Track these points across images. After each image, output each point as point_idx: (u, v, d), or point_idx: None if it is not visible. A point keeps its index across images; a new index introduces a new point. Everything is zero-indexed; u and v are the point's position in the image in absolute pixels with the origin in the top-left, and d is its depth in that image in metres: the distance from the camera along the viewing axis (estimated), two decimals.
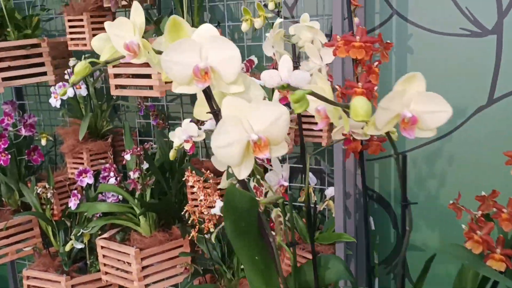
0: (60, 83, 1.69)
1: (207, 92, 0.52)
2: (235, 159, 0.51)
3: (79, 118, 1.85)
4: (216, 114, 0.53)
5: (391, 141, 0.67)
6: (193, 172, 1.55)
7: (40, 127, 2.19)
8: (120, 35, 0.57)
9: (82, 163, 1.88)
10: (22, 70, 1.77)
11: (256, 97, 0.50)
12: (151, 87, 1.50)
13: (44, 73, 1.83)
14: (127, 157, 1.55)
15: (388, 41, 0.95)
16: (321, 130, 1.47)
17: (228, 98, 0.50)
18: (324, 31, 1.69)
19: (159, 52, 0.58)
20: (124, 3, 1.52)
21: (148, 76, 1.50)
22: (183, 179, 1.58)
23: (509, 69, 1.54)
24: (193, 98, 1.97)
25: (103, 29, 1.82)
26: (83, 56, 1.77)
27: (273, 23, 1.44)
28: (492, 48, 1.55)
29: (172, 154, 0.85)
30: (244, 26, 1.27)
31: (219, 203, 0.85)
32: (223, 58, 0.51)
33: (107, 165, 1.83)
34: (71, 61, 1.80)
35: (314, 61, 0.67)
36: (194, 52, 0.52)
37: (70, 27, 1.79)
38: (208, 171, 1.57)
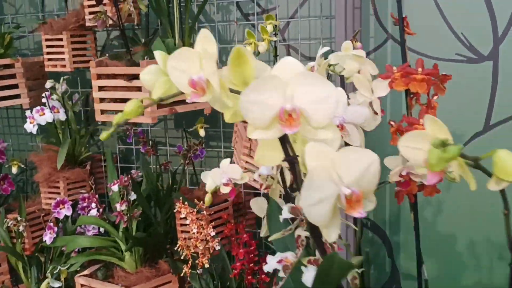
0: (38, 108, 1.56)
1: (283, 137, 0.45)
2: (326, 218, 0.43)
3: (55, 144, 1.71)
4: (293, 162, 0.45)
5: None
6: (186, 203, 1.45)
7: (8, 153, 2.03)
8: (182, 69, 0.49)
9: (59, 193, 1.74)
10: None
11: (332, 141, 0.43)
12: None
13: (18, 96, 1.69)
14: (115, 188, 1.44)
15: (445, 73, 0.89)
16: None
17: (314, 146, 0.42)
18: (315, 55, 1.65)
19: (235, 92, 0.48)
20: (110, 22, 1.42)
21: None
22: (175, 210, 1.47)
23: (505, 95, 1.53)
24: (177, 122, 1.87)
25: (84, 49, 1.72)
26: (62, 78, 1.66)
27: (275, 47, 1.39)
28: (488, 74, 1.54)
29: (207, 200, 0.76)
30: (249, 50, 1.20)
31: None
32: (315, 99, 0.43)
33: (87, 195, 1.70)
34: (48, 83, 1.67)
35: (364, 94, 0.61)
36: (278, 92, 0.44)
37: (48, 46, 1.66)
38: (202, 202, 1.47)
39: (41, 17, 1.95)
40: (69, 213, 1.66)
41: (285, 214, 0.55)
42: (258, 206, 0.73)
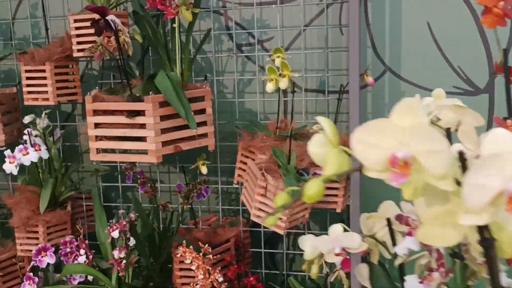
0: (21, 146, 1.41)
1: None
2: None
3: (34, 185, 1.56)
4: (489, 246, 0.38)
5: None
6: (191, 247, 1.35)
7: None
8: (374, 143, 0.41)
9: (37, 238, 1.57)
10: None
11: None
12: (143, 151, 1.30)
13: None
14: (115, 234, 1.31)
15: None
16: (336, 195, 1.36)
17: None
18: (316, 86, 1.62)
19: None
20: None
21: (141, 139, 1.29)
22: (178, 255, 1.37)
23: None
24: (169, 159, 1.77)
25: (67, 81, 1.59)
26: (43, 112, 1.51)
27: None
28: (484, 107, 1.57)
29: (314, 273, 0.67)
30: (270, 87, 1.14)
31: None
32: None
33: (68, 239, 1.55)
34: (27, 118, 1.52)
35: (468, 147, 0.56)
36: (499, 173, 0.38)
37: (28, 78, 1.52)
38: (207, 245, 1.37)
39: (13, 45, 1.79)
40: (52, 261, 1.50)
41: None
42: (361, 273, 0.66)
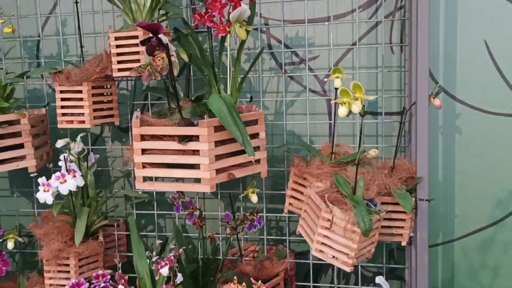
0: (58, 174, 1.30)
1: None
2: None
3: (67, 214, 1.44)
4: None
5: None
6: (243, 284, 1.24)
7: None
8: None
9: (68, 271, 1.46)
10: None
11: None
12: (196, 180, 1.19)
13: (23, 157, 1.42)
14: (164, 271, 1.19)
15: None
16: (402, 227, 1.26)
17: None
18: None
19: None
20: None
21: (193, 166, 1.19)
22: None
23: None
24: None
25: (103, 102, 1.48)
26: (79, 136, 1.41)
27: None
28: None
29: None
30: (343, 111, 1.04)
31: None
32: None
33: (101, 272, 1.43)
34: (60, 142, 1.41)
35: None
36: None
37: (63, 99, 1.42)
38: (260, 282, 1.26)
39: (39, 64, 1.69)
40: None
41: None
42: None
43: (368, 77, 1.56)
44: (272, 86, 1.64)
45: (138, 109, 1.38)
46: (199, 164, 1.17)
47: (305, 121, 1.61)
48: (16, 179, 1.79)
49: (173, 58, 1.26)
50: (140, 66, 1.21)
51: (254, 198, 1.34)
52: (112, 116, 1.48)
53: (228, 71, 1.28)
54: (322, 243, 1.17)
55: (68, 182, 1.29)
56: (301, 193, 1.34)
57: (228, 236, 1.36)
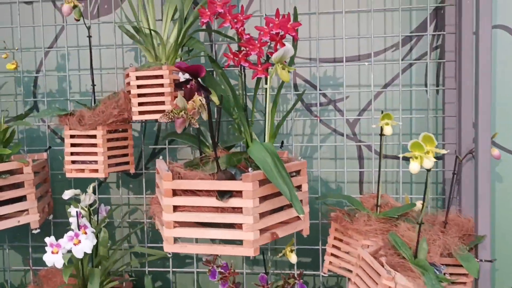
0: (71, 233, 1.12)
1: None
2: None
3: (74, 276, 1.26)
4: None
5: None
6: None
7: None
8: None
9: None
10: None
11: None
12: (235, 241, 1.04)
13: (24, 211, 1.23)
14: None
15: None
16: None
17: None
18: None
19: None
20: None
21: (233, 225, 1.04)
22: None
23: None
24: None
25: (119, 148, 1.32)
26: (90, 186, 1.24)
27: None
28: None
29: None
30: (415, 167, 0.92)
31: None
32: None
33: None
34: (68, 193, 1.24)
35: None
36: None
37: (73, 145, 1.25)
38: None
39: (33, 102, 1.52)
40: None
41: None
42: None
43: (402, 120, 1.46)
44: (298, 129, 1.52)
45: (161, 156, 1.23)
46: (240, 224, 1.03)
47: (332, 166, 1.49)
48: (7, 230, 1.59)
49: (203, 101, 1.13)
50: (172, 111, 1.06)
51: (293, 258, 1.19)
52: (127, 163, 1.32)
53: (267, 115, 1.15)
54: None
55: (83, 243, 1.11)
56: (339, 249, 1.21)
57: None
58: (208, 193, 1.04)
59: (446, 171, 1.40)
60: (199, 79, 1.01)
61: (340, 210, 1.24)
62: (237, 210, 1.03)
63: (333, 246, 1.24)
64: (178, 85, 1.02)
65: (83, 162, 1.26)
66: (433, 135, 1.45)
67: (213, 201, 1.03)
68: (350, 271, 1.19)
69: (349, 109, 1.49)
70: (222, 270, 1.15)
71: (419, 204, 1.23)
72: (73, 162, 1.26)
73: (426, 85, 1.45)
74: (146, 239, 1.50)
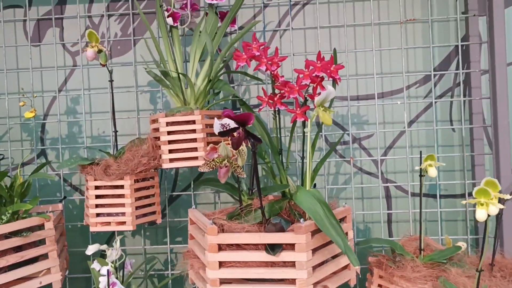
0: None
1: None
2: None
3: None
4: None
5: None
6: None
7: None
8: None
9: None
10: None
11: None
12: None
13: (42, 271, 1.14)
14: None
15: None
16: None
17: None
18: None
19: None
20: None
21: (281, 280, 0.97)
22: None
23: None
24: None
25: (147, 197, 1.24)
26: (117, 239, 1.16)
27: None
28: None
29: None
30: (482, 215, 0.88)
31: None
32: None
33: None
34: (92, 248, 1.16)
35: None
36: None
37: (98, 197, 1.17)
38: None
39: (41, 150, 1.44)
40: None
41: None
42: None
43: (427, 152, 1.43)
44: (323, 169, 1.47)
45: (194, 206, 1.16)
46: (291, 279, 0.96)
47: (360, 206, 1.45)
48: None
49: (243, 147, 1.07)
50: (214, 159, 1.01)
51: None
52: (153, 213, 1.24)
53: (308, 159, 1.10)
54: None
55: None
56: None
57: None
58: (255, 246, 0.98)
59: None
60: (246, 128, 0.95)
61: (383, 256, 1.19)
62: (288, 264, 0.97)
63: None
64: (223, 133, 0.97)
65: (109, 214, 1.18)
66: (460, 171, 1.43)
67: (262, 255, 0.96)
68: None
69: (373, 147, 1.46)
70: None
71: (461, 245, 1.19)
72: (98, 215, 1.17)
73: (451, 122, 1.43)
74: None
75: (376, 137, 1.41)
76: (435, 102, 1.43)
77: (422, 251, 1.18)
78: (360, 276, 1.30)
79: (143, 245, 1.44)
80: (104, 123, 1.47)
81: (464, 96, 1.42)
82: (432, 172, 1.12)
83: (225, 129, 0.96)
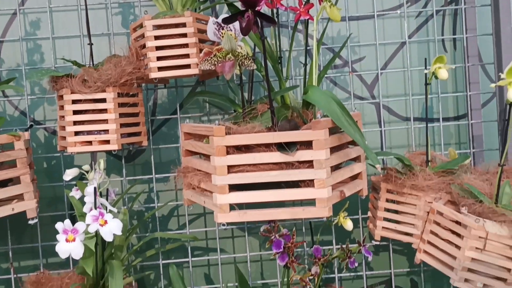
0: (95, 212, 0.88)
1: None
2: None
3: (81, 272, 1.03)
4: None
5: None
6: None
7: None
8: None
9: None
10: None
11: None
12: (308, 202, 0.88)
13: (17, 197, 0.98)
14: None
15: None
16: None
17: None
18: None
19: None
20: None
21: (297, 184, 0.88)
22: None
23: None
24: None
25: (131, 115, 1.10)
26: (101, 161, 1.02)
27: None
28: None
29: None
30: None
31: None
32: None
33: None
34: (70, 172, 1.02)
35: None
36: None
37: (75, 112, 1.03)
38: None
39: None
40: None
41: None
42: None
43: (419, 76, 1.38)
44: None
45: (187, 120, 1.04)
46: (309, 181, 0.87)
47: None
48: None
49: (241, 50, 0.96)
50: (216, 54, 0.89)
51: (349, 224, 1.05)
52: (138, 134, 1.11)
53: (314, 64, 1.00)
54: (469, 269, 0.92)
55: (110, 223, 0.89)
56: (395, 212, 1.09)
57: (316, 277, 1.04)
58: (267, 148, 0.88)
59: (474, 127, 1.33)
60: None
61: (391, 169, 1.12)
62: (304, 165, 0.87)
63: (385, 209, 1.11)
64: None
65: (89, 133, 1.03)
66: (452, 93, 1.39)
67: (275, 156, 0.86)
68: (410, 234, 1.07)
69: (366, 70, 1.39)
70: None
71: (467, 160, 1.15)
72: (77, 133, 1.03)
73: (442, 39, 1.39)
74: (157, 226, 1.28)
75: (366, 60, 1.34)
76: (429, 20, 1.38)
77: (429, 162, 1.12)
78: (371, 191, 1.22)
79: (124, 177, 1.29)
80: (70, 47, 1.31)
81: (456, 14, 1.37)
82: (443, 74, 1.06)
83: (222, 30, 0.86)
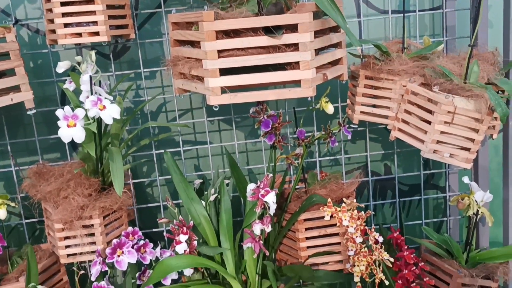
0: (94, 98, 0.93)
1: None
2: None
3: (86, 161, 1.10)
4: None
5: None
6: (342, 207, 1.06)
7: None
8: None
9: (92, 234, 1.13)
10: None
11: None
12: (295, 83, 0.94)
13: (14, 88, 1.02)
14: (270, 197, 0.94)
15: None
16: None
17: None
18: None
19: None
20: None
21: (283, 67, 0.94)
22: (326, 216, 1.06)
23: None
24: None
25: (117, 6, 1.10)
26: (92, 53, 1.05)
27: None
28: None
29: None
30: None
31: None
32: None
33: (131, 229, 1.14)
34: (62, 65, 1.05)
35: None
36: None
37: (63, 4, 1.04)
38: (354, 200, 1.08)
39: None
40: (133, 259, 1.08)
41: None
42: None
43: None
44: None
45: (174, 10, 1.06)
46: (294, 64, 0.93)
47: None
48: None
49: None
50: None
51: (330, 108, 1.13)
52: (125, 26, 1.13)
53: None
54: (438, 141, 1.03)
55: (108, 108, 0.95)
56: (372, 96, 1.18)
57: (300, 157, 1.14)
58: (255, 33, 0.92)
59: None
60: None
61: (370, 56, 1.18)
62: (290, 49, 0.93)
63: (364, 95, 1.19)
64: None
65: (78, 25, 1.05)
66: None
67: (263, 40, 0.91)
68: (385, 116, 1.16)
69: None
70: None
71: (439, 48, 1.21)
72: (66, 25, 1.05)
73: None
74: (148, 120, 1.34)
75: None
76: None
77: (405, 49, 1.19)
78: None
79: (113, 72, 1.33)
80: None
81: None
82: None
83: None
